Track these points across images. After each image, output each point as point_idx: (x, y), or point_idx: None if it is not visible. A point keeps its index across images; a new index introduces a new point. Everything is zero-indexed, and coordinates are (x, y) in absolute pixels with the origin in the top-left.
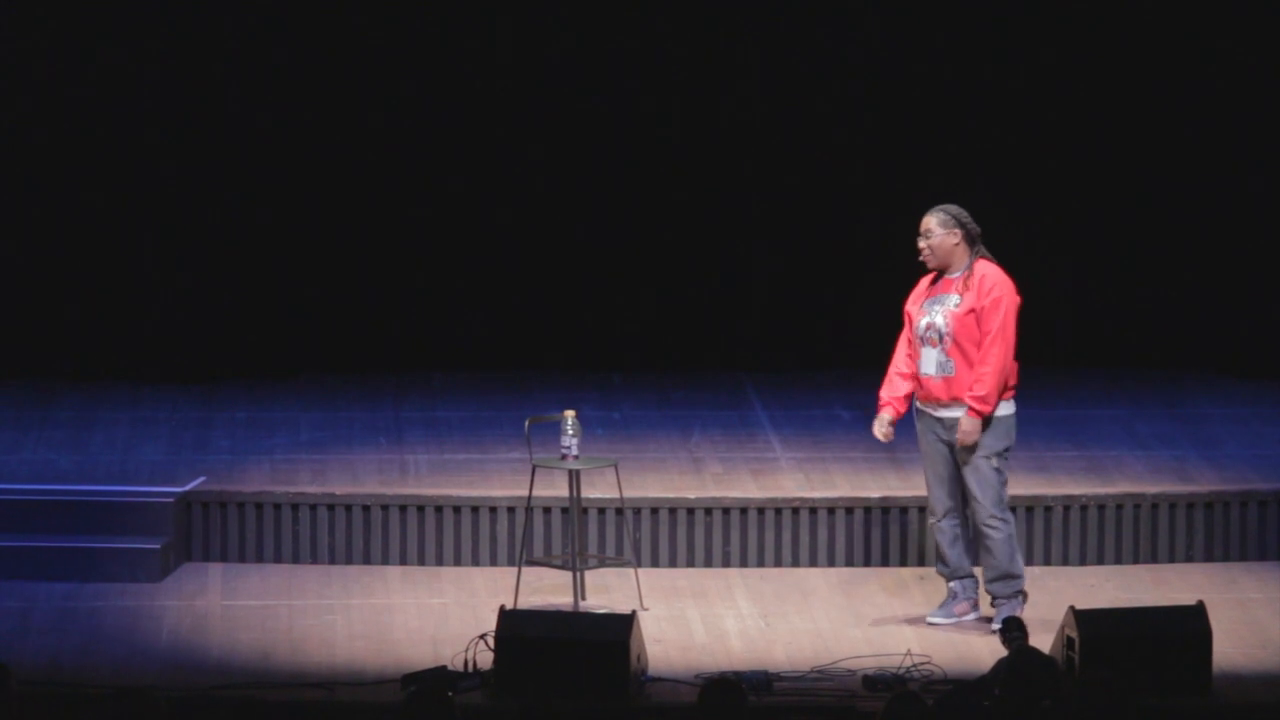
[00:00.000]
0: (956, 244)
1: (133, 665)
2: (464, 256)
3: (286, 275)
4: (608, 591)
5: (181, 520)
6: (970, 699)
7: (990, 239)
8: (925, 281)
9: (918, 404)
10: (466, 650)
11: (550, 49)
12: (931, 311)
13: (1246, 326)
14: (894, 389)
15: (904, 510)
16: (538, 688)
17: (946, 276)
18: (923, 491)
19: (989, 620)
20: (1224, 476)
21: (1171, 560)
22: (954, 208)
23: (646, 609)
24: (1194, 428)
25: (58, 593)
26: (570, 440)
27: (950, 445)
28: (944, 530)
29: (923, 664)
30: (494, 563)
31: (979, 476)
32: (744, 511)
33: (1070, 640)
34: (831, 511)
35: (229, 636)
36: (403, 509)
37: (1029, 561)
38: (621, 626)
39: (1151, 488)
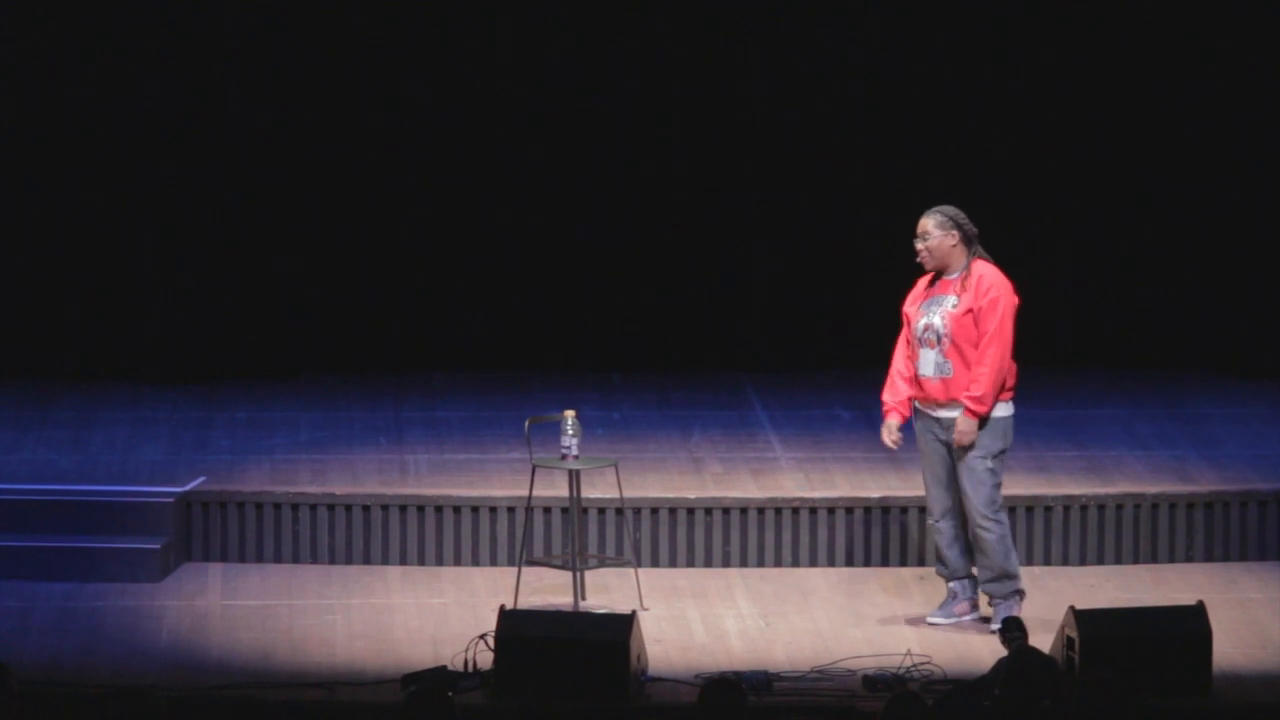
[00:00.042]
0: (954, 245)
1: (133, 665)
2: (464, 256)
3: (286, 275)
4: (608, 591)
5: (181, 520)
6: (970, 699)
7: (990, 239)
8: (923, 282)
9: (916, 404)
10: (466, 650)
11: (550, 49)
12: (929, 313)
13: (1246, 326)
14: (896, 392)
15: (904, 510)
16: (538, 688)
17: (944, 278)
18: (923, 491)
19: (988, 620)
20: (1224, 476)
21: (1171, 560)
22: (950, 208)
23: (646, 609)
24: (1194, 428)
25: (58, 593)
26: (570, 440)
27: (948, 445)
28: (943, 531)
29: (923, 664)
30: (494, 563)
31: (972, 476)
32: (744, 511)
33: (1070, 640)
34: (831, 511)
35: (229, 636)
36: (403, 509)
37: (1030, 561)
38: (621, 626)
39: (1151, 488)
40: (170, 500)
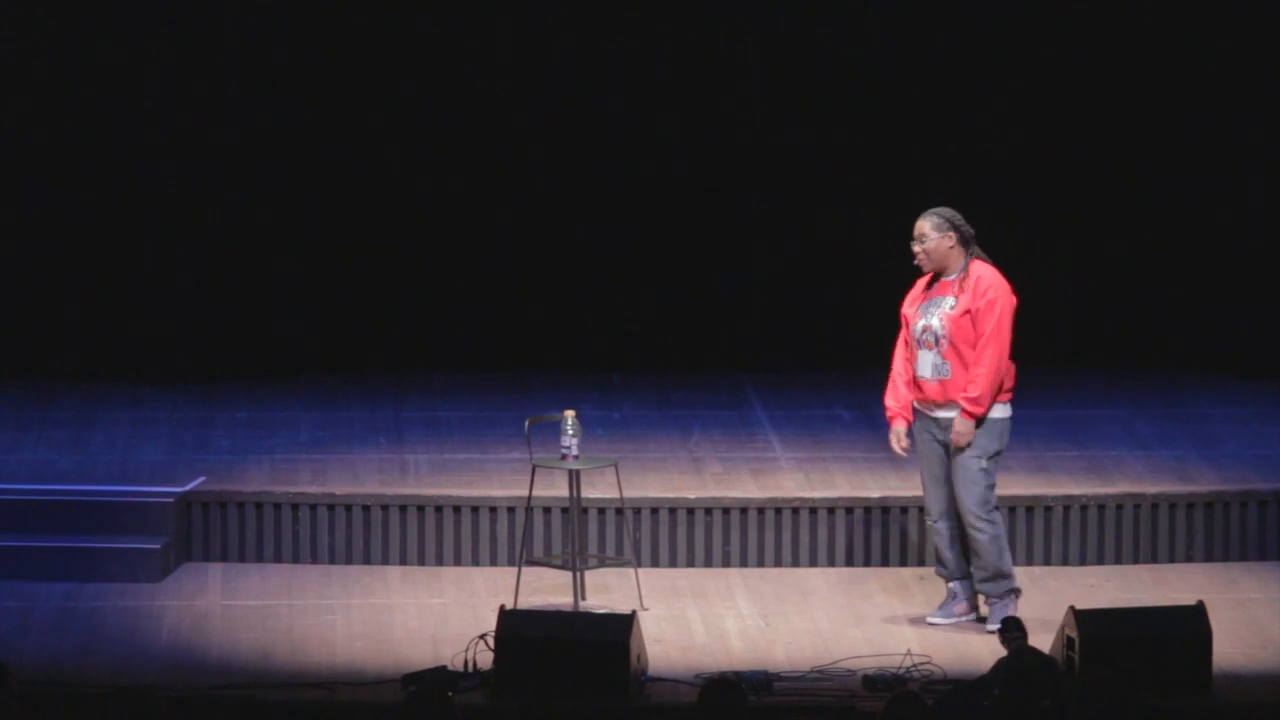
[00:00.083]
0: (951, 246)
1: (133, 665)
2: (464, 256)
3: (286, 275)
4: (608, 591)
5: (181, 520)
6: (970, 699)
7: (990, 239)
8: (921, 284)
9: (915, 405)
10: (466, 650)
11: (550, 49)
12: (928, 314)
13: (1246, 326)
14: (899, 397)
15: (904, 510)
16: (538, 688)
17: (943, 279)
18: (923, 491)
19: (985, 620)
20: (1224, 476)
21: (1171, 560)
22: (946, 210)
23: (646, 609)
24: (1194, 428)
25: (58, 593)
26: (570, 440)
27: (946, 446)
28: (941, 531)
29: (923, 664)
30: (494, 563)
31: (965, 476)
32: (744, 511)
33: (1070, 640)
34: (831, 511)
35: (229, 636)
36: (403, 509)
37: (1030, 561)
38: (621, 626)
39: (1151, 488)
40: (170, 500)
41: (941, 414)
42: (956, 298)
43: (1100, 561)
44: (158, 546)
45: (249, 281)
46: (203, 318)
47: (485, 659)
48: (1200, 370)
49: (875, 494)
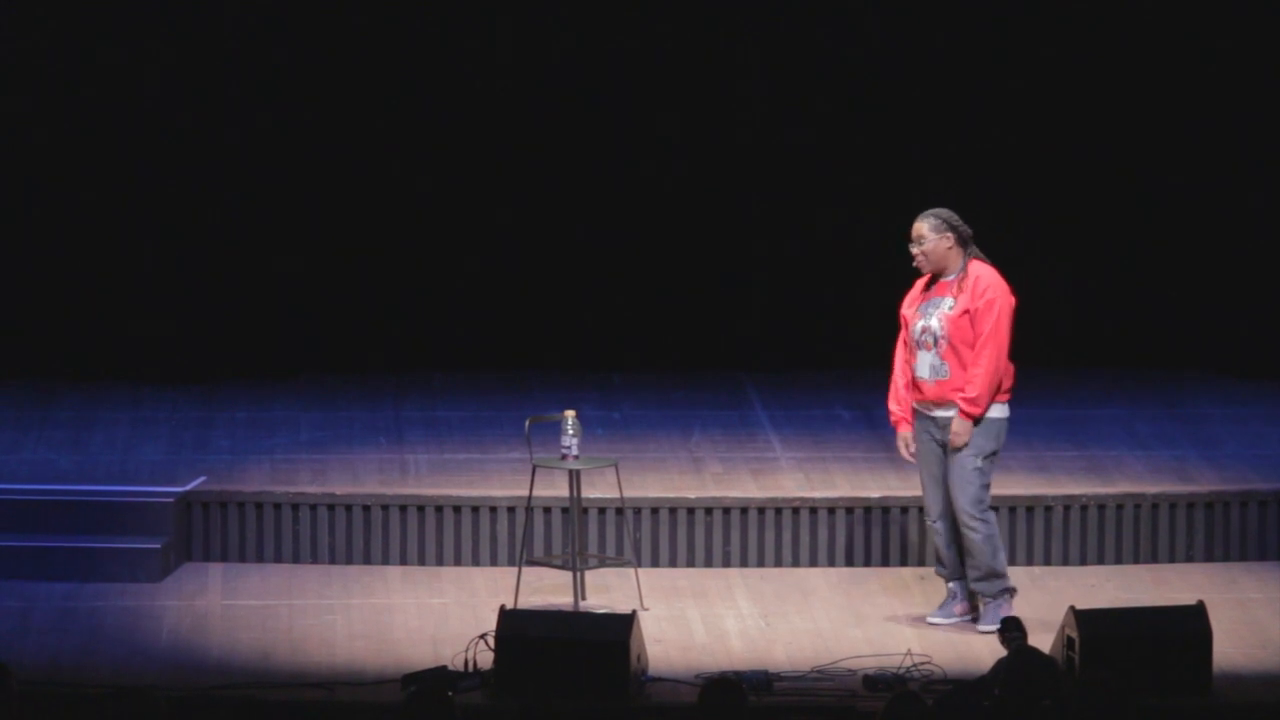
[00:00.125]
0: (950, 247)
1: (133, 665)
2: (464, 256)
3: (286, 275)
4: (608, 591)
5: (181, 520)
6: (970, 699)
7: (990, 239)
8: (920, 284)
9: (914, 405)
10: (466, 650)
11: (550, 49)
12: (927, 315)
13: (1246, 326)
14: (901, 400)
15: (904, 510)
16: (538, 688)
17: (942, 280)
18: (922, 491)
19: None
20: (1224, 476)
21: (1171, 560)
22: (944, 211)
23: (646, 609)
24: (1194, 428)
25: (58, 593)
26: (570, 440)
27: (944, 446)
28: (940, 531)
29: (923, 664)
30: (494, 563)
31: (960, 475)
32: (744, 511)
33: (1070, 640)
34: (831, 511)
35: (229, 636)
36: (403, 509)
37: (1030, 561)
38: (621, 626)
39: (1151, 488)
40: (170, 500)
41: (940, 414)
42: (955, 298)
43: (1100, 561)
44: (158, 546)
45: (249, 281)
46: (203, 318)
47: (485, 659)
48: (1200, 370)
49: (875, 494)
